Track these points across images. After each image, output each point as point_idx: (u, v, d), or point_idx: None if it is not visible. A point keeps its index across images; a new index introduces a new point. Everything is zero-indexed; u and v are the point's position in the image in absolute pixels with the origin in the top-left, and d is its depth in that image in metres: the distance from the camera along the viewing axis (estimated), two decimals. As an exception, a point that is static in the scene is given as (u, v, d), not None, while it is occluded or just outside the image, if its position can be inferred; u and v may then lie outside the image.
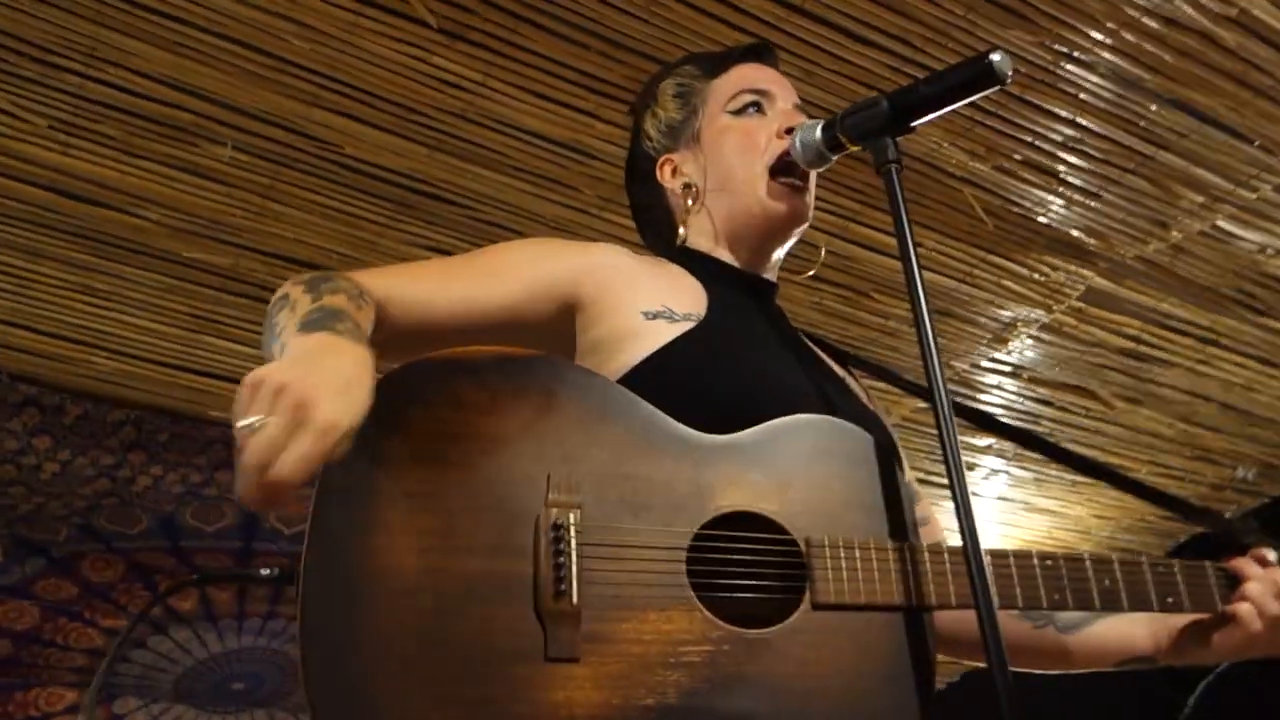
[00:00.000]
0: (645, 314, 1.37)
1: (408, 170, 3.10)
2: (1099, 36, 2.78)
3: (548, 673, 1.06)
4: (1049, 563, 1.32)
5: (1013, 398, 4.31)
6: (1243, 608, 1.37)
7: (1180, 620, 1.44)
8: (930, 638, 1.22)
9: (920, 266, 1.44)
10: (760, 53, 1.67)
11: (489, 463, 1.13)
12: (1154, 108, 2.98)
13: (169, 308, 3.48)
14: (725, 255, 1.54)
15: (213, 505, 4.23)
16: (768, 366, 1.43)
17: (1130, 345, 4.07)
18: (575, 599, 1.08)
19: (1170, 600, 1.36)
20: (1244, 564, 1.41)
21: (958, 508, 1.17)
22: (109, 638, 4.84)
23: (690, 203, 1.55)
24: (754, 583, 1.18)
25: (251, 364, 3.61)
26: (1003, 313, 3.85)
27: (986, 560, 1.21)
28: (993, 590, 1.26)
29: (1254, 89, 2.92)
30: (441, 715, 1.01)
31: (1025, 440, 1.60)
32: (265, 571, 1.17)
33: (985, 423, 1.38)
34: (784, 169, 1.52)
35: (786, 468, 1.24)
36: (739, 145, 1.54)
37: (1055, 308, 3.82)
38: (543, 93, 2.91)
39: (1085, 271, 3.66)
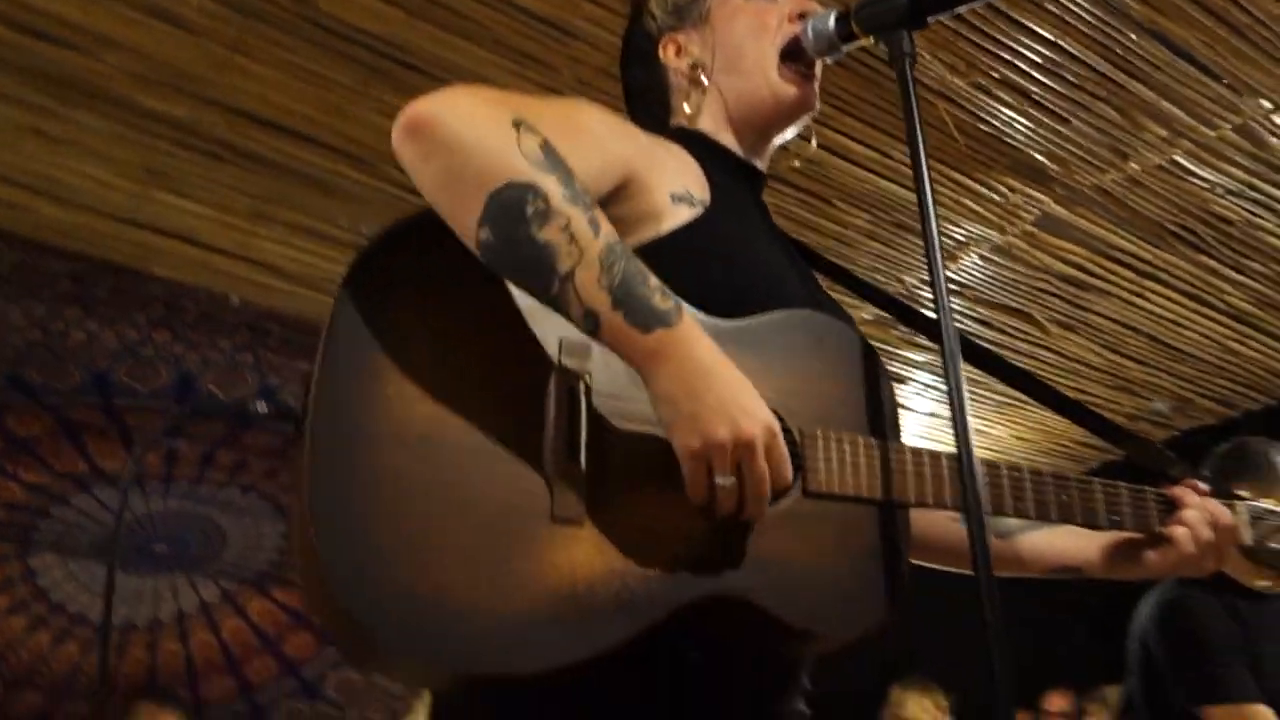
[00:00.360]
0: (672, 195, 1.35)
1: (385, 34, 3.01)
2: (1092, -41, 2.80)
3: (552, 533, 1.06)
4: (1015, 474, 1.37)
5: (959, 311, 4.42)
6: (1179, 531, 1.44)
7: (1111, 537, 1.50)
8: (905, 533, 1.27)
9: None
10: None
11: (504, 321, 1.13)
12: (1133, 36, 3.03)
13: (120, 158, 3.36)
14: (728, 140, 1.52)
15: (148, 364, 4.15)
16: (765, 260, 1.43)
17: (1073, 273, 4.19)
18: (584, 463, 1.09)
19: (1115, 519, 1.42)
20: (1182, 491, 1.47)
21: (955, 424, 1.20)
22: (32, 494, 4.76)
23: (696, 83, 1.51)
24: None
25: (202, 223, 3.54)
26: (957, 231, 3.92)
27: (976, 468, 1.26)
28: (984, 497, 1.33)
29: (1231, 26, 2.97)
30: (446, 565, 1.02)
31: (991, 362, 1.62)
32: (261, 407, 1.14)
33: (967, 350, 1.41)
34: (794, 54, 1.49)
35: (783, 358, 1.26)
36: (751, 26, 1.51)
37: (1009, 230, 3.91)
38: (532, -34, 2.84)
39: (1042, 196, 3.74)
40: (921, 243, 3.77)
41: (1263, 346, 4.78)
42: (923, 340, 4.59)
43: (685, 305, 1.17)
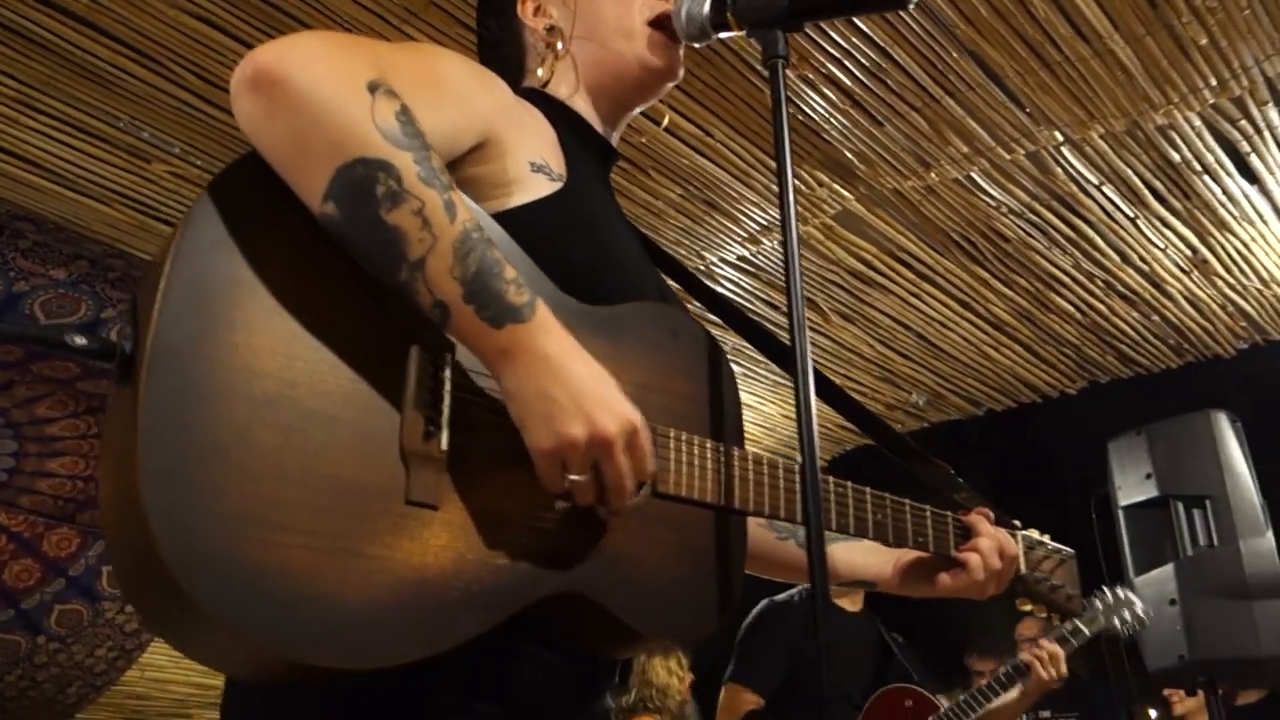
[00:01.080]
0: (531, 164, 1.29)
1: (199, -73, 2.74)
2: (931, -26, 2.89)
3: (405, 515, 1.00)
4: (840, 489, 1.41)
5: (746, 296, 4.52)
6: (972, 558, 1.51)
7: (906, 556, 1.57)
8: (743, 540, 1.27)
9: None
10: None
11: (369, 282, 1.04)
12: (954, 54, 3.16)
13: None
14: (583, 107, 1.46)
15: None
16: (619, 244, 1.39)
17: (861, 269, 4.36)
18: (444, 444, 1.03)
19: (920, 540, 1.48)
20: (977, 519, 1.54)
21: (801, 441, 1.20)
22: None
23: (552, 48, 1.46)
24: None
25: (70, 148, 3.12)
26: (761, 215, 3.99)
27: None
28: (830, 512, 1.36)
29: (1043, 60, 3.15)
30: (290, 543, 0.94)
31: (771, 347, 1.64)
32: (80, 340, 1.00)
33: (732, 320, 1.43)
34: (660, 26, 1.45)
35: (637, 350, 1.23)
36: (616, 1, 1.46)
37: (810, 220, 4.01)
38: (374, -119, 2.65)
39: (845, 193, 3.87)
40: (727, 223, 3.82)
41: (1013, 354, 5.16)
42: (711, 318, 4.68)
43: (543, 289, 1.14)
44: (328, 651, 0.93)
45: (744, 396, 5.42)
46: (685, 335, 1.28)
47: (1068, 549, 1.72)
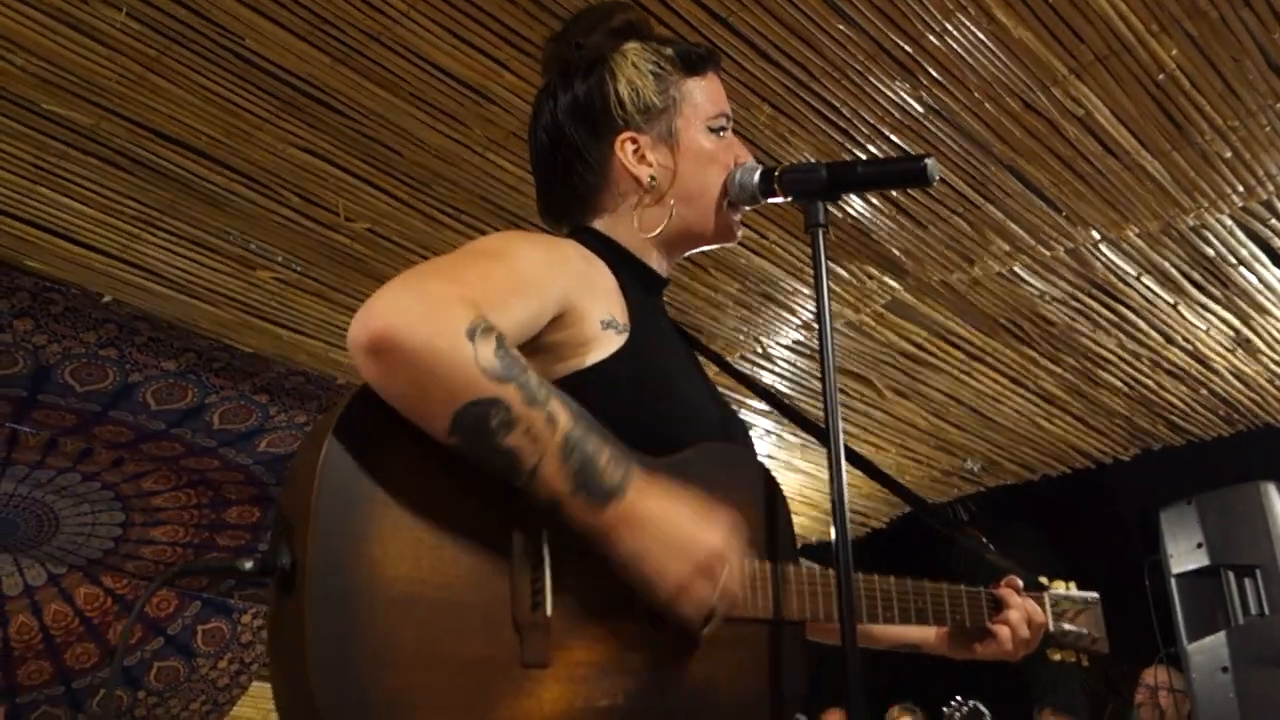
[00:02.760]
0: (602, 322, 1.41)
1: (305, 74, 3.08)
2: (966, 102, 3.13)
3: (523, 677, 1.17)
4: (885, 587, 1.62)
5: (803, 375, 4.75)
6: (1002, 630, 1.72)
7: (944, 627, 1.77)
8: (803, 649, 1.46)
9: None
10: (718, 63, 1.66)
11: (468, 476, 1.20)
12: (992, 168, 3.39)
13: (11, 153, 3.30)
14: (650, 257, 1.56)
15: (5, 351, 4.05)
16: (682, 387, 1.54)
17: (912, 350, 4.58)
18: (549, 610, 1.19)
19: (956, 618, 1.70)
20: (1006, 593, 1.75)
21: (836, 546, 1.40)
22: None
23: (649, 198, 1.52)
24: None
25: (85, 224, 3.51)
26: (813, 305, 4.22)
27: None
28: (878, 608, 1.58)
29: (1076, 173, 3.37)
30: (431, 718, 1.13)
31: (802, 422, 1.87)
32: (248, 565, 1.22)
33: (773, 402, 1.65)
34: (730, 196, 1.58)
35: (705, 491, 1.36)
36: (718, 169, 1.56)
37: (862, 309, 4.25)
38: (461, 34, 2.96)
39: (894, 284, 4.09)
40: (783, 312, 4.06)
41: (1065, 424, 5.32)
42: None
43: (631, 456, 1.28)
44: None
45: (804, 465, 5.62)
46: (742, 469, 1.47)
47: (1092, 594, 1.91)
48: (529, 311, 1.31)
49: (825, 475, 5.96)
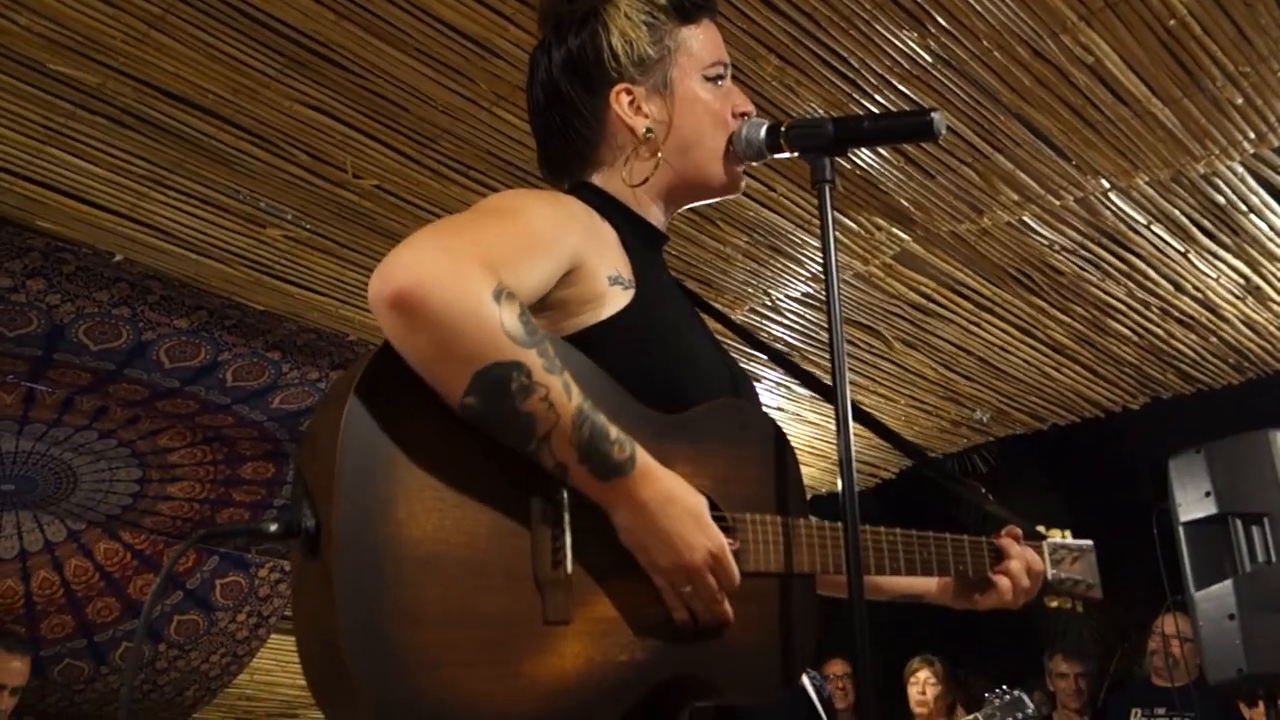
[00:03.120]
0: (609, 278, 1.43)
1: (310, 30, 3.07)
2: (975, 50, 3.10)
3: (546, 634, 1.20)
4: (890, 539, 1.64)
5: (812, 327, 4.76)
6: (1002, 581, 1.76)
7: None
8: (814, 600, 1.49)
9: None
10: (714, 9, 1.64)
11: (491, 446, 1.23)
12: (1001, 118, 3.37)
13: (19, 114, 3.30)
14: (650, 210, 1.56)
15: (19, 311, 4.08)
16: (690, 341, 1.55)
17: (921, 301, 4.58)
18: (569, 568, 1.22)
19: (960, 568, 1.74)
20: (1007, 543, 1.79)
21: (843, 511, 1.40)
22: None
23: (644, 150, 1.52)
24: None
25: (95, 184, 3.52)
26: (821, 257, 4.22)
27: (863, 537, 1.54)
28: (884, 560, 1.61)
29: (1085, 120, 3.35)
30: (468, 680, 1.15)
31: (805, 378, 1.90)
32: (273, 528, 1.20)
33: (779, 360, 1.68)
34: (736, 150, 1.58)
35: (715, 447, 1.43)
36: (715, 118, 1.56)
37: (871, 261, 4.25)
38: (466, -13, 2.95)
39: (904, 236, 4.09)
40: (791, 265, 4.07)
41: (1073, 374, 5.33)
42: (778, 346, 4.92)
43: (627, 409, 1.32)
44: None
45: (813, 417, 5.64)
46: (753, 425, 1.48)
47: (1087, 542, 1.95)
48: (545, 270, 1.33)
49: (834, 427, 5.99)
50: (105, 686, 5.86)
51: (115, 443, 5.00)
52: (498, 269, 1.22)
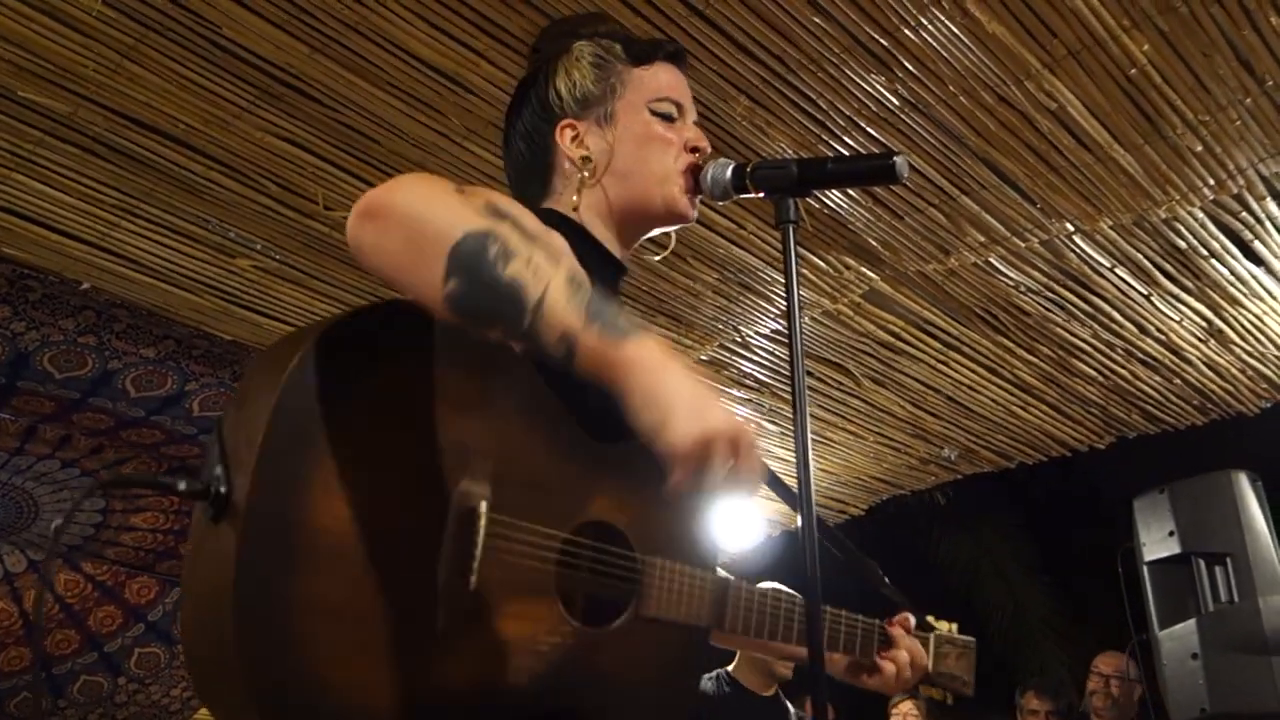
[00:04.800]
0: None
1: (283, 63, 3.08)
2: (941, 95, 3.15)
3: (436, 645, 1.17)
4: (789, 606, 1.65)
5: (781, 364, 4.78)
6: (888, 667, 1.82)
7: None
8: (704, 653, 1.53)
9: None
10: (679, 58, 1.74)
11: (416, 434, 1.19)
12: (968, 161, 3.42)
13: (-15, 141, 3.30)
14: (600, 231, 1.61)
15: (-19, 338, 4.04)
16: None
17: (889, 339, 4.61)
18: (474, 582, 1.18)
19: (849, 648, 1.80)
20: (898, 633, 1.84)
21: (802, 506, 1.38)
22: None
23: (583, 176, 1.60)
24: (602, 584, 1.39)
25: (63, 212, 3.51)
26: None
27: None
28: (779, 627, 1.63)
29: (1050, 165, 3.40)
30: (350, 677, 1.11)
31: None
32: (183, 485, 1.13)
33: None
34: (690, 177, 1.64)
35: (639, 486, 1.42)
36: (660, 148, 1.62)
37: (839, 299, 4.28)
38: (438, 24, 2.97)
39: (871, 274, 4.13)
40: (761, 301, 4.10)
41: (1040, 413, 5.37)
42: (748, 382, 4.95)
43: (567, 427, 1.32)
44: None
45: (782, 453, 5.64)
46: None
47: (970, 639, 2.03)
48: None
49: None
50: (62, 720, 5.76)
51: (78, 472, 4.94)
52: (468, 190, 1.24)
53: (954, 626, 2.00)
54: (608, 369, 1.16)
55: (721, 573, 1.55)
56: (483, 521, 1.20)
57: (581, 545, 1.35)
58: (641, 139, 1.62)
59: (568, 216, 1.59)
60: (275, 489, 1.09)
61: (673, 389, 1.16)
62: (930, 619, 1.94)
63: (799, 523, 1.45)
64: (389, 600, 1.14)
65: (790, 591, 1.69)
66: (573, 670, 1.31)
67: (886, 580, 1.94)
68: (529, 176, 1.65)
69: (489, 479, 1.22)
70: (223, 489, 1.10)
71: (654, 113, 1.64)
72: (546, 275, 1.16)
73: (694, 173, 1.63)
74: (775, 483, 1.76)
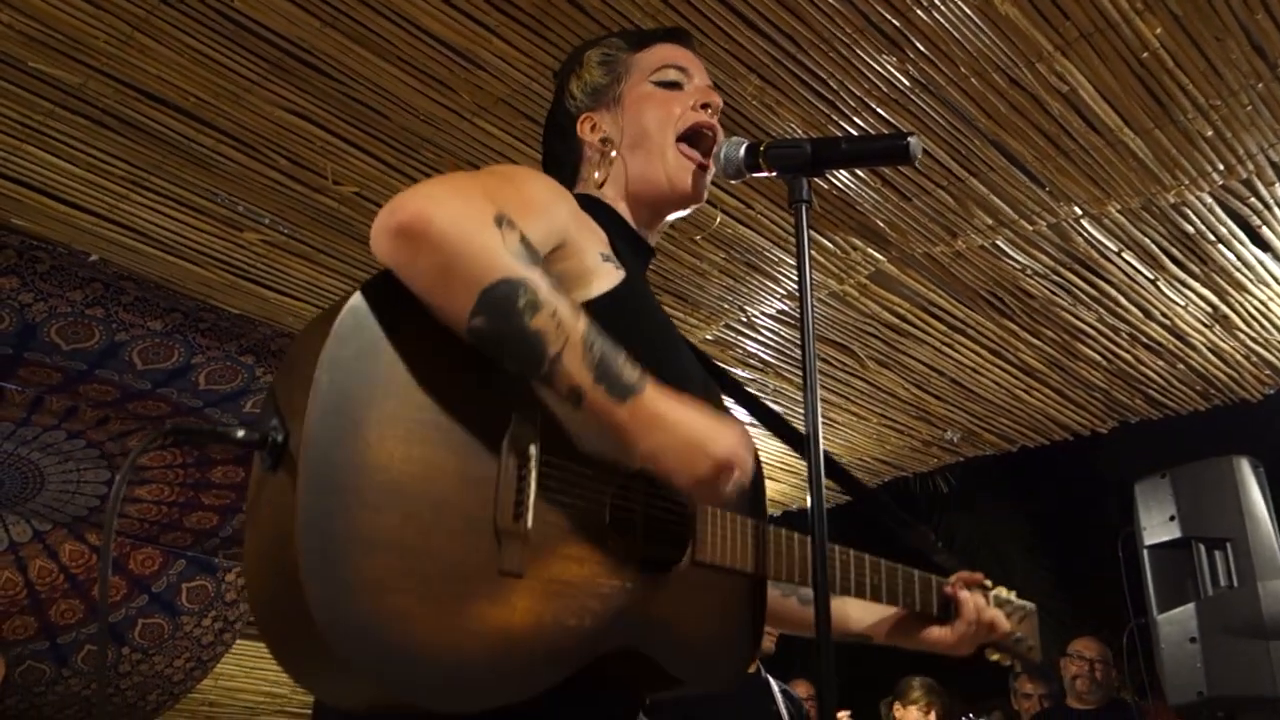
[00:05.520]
0: (601, 255, 1.51)
1: (294, 36, 3.08)
2: (952, 76, 3.15)
3: (498, 584, 1.19)
4: (845, 557, 1.67)
5: (787, 344, 4.79)
6: (958, 623, 1.79)
7: (893, 614, 1.83)
8: (764, 601, 1.54)
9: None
10: (680, 36, 1.79)
11: (462, 381, 1.23)
12: (977, 143, 3.42)
13: (-4, 111, 3.30)
14: (625, 211, 1.67)
15: (-10, 308, 4.05)
16: (671, 335, 1.63)
17: (895, 321, 4.62)
18: (530, 523, 1.22)
19: (908, 601, 1.76)
20: (959, 586, 1.82)
21: (812, 527, 1.42)
22: None
23: (605, 155, 1.67)
24: (657, 529, 1.42)
25: (72, 184, 3.51)
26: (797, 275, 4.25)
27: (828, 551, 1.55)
28: (835, 576, 1.64)
29: (1059, 148, 3.40)
30: (415, 613, 1.12)
31: (788, 434, 1.91)
32: (241, 434, 1.17)
33: (761, 413, 1.67)
34: (691, 138, 1.68)
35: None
36: (658, 111, 1.67)
37: (846, 280, 4.29)
38: (450, -1, 2.97)
39: (879, 256, 4.13)
40: (768, 282, 4.09)
41: (1044, 397, 5.38)
42: (753, 362, 4.96)
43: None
44: (438, 699, 1.13)
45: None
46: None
47: (1030, 604, 2.00)
48: (541, 230, 1.37)
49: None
50: (67, 689, 5.80)
51: (84, 443, 4.96)
52: (500, 208, 1.26)
53: (1013, 593, 1.95)
54: (610, 429, 1.25)
55: (772, 526, 1.55)
56: (534, 463, 1.24)
57: (633, 491, 1.37)
58: (645, 106, 1.68)
59: (597, 199, 1.64)
60: (329, 432, 1.12)
61: (664, 447, 1.26)
62: (987, 583, 1.87)
63: (808, 501, 1.47)
64: (449, 538, 1.17)
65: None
66: (632, 613, 1.32)
67: (940, 545, 1.93)
68: (561, 170, 1.72)
69: (537, 425, 1.27)
70: (279, 437, 1.14)
71: (655, 83, 1.69)
72: (566, 331, 1.22)
73: (701, 140, 1.66)
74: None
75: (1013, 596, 1.96)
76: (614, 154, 1.67)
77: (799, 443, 1.81)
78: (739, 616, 1.49)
